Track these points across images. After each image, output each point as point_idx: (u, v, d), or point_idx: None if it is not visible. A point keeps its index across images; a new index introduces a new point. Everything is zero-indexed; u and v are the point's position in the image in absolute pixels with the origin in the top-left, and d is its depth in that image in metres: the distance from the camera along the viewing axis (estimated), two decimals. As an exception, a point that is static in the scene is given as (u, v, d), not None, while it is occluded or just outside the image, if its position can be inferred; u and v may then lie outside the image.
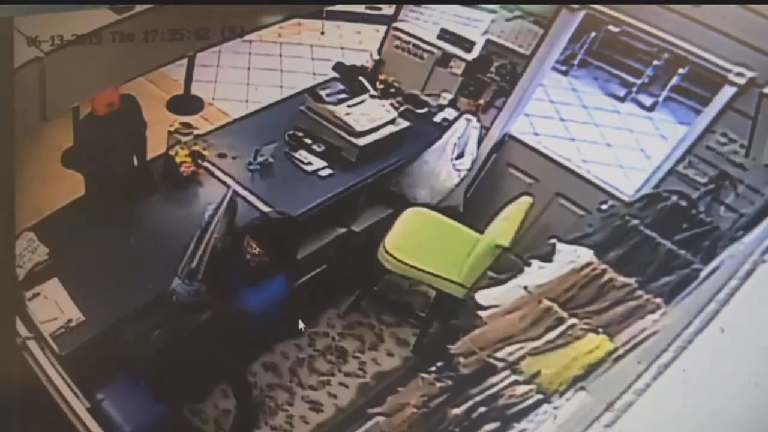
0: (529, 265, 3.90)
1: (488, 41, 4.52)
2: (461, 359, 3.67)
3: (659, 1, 3.95)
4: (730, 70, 3.86)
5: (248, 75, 4.59)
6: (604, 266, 3.76)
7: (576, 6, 4.13)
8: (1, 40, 3.90)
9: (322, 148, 4.38)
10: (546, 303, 3.70)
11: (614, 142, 4.32)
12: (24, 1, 3.96)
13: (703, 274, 3.65)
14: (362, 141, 4.35)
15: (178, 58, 4.32)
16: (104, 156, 4.16)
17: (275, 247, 3.76)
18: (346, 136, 4.35)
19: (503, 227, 4.08)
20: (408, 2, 4.65)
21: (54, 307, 3.83)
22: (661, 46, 4.12)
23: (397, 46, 4.66)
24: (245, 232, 3.79)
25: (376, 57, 4.65)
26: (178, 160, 4.22)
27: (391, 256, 4.11)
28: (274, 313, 3.94)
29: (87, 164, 4.13)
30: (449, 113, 4.53)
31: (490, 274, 4.01)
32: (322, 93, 4.41)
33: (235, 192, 3.87)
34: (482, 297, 3.85)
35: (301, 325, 3.94)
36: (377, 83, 4.56)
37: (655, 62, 4.31)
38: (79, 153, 4.12)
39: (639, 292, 3.67)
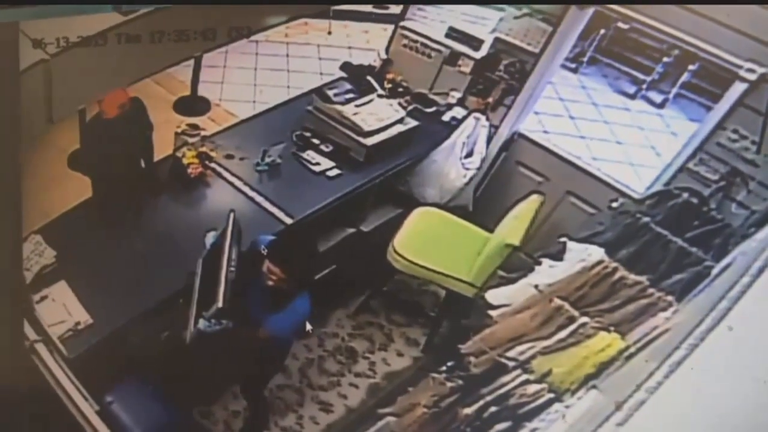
0: (539, 263, 3.88)
1: (497, 39, 4.50)
2: (472, 359, 3.65)
3: (675, 1, 3.94)
4: (740, 66, 3.84)
5: (255, 75, 4.58)
6: (615, 264, 3.74)
7: (584, 3, 4.13)
8: (6, 44, 3.90)
9: (330, 148, 4.36)
10: (557, 302, 3.69)
11: (624, 139, 4.29)
12: (29, 2, 3.96)
13: (714, 271, 3.63)
14: (370, 141, 4.33)
15: (185, 59, 4.31)
16: (111, 158, 4.15)
17: (295, 266, 3.72)
18: (354, 136, 4.33)
19: (513, 226, 4.06)
20: (416, 2, 4.63)
21: (62, 309, 3.82)
22: (670, 42, 4.10)
23: (404, 45, 4.64)
24: (263, 258, 3.73)
25: (383, 56, 4.63)
26: (185, 161, 4.21)
27: (401, 256, 4.09)
28: (301, 330, 3.92)
29: (94, 167, 4.12)
30: (458, 112, 4.51)
31: (501, 273, 3.99)
32: (330, 93, 4.39)
33: (236, 215, 3.82)
34: (493, 296, 3.84)
35: (309, 326, 3.90)
36: (385, 82, 4.54)
37: (665, 59, 4.28)
38: (86, 155, 4.12)
39: (650, 290, 3.65)
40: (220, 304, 3.59)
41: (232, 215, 3.77)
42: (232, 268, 3.66)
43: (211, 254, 3.77)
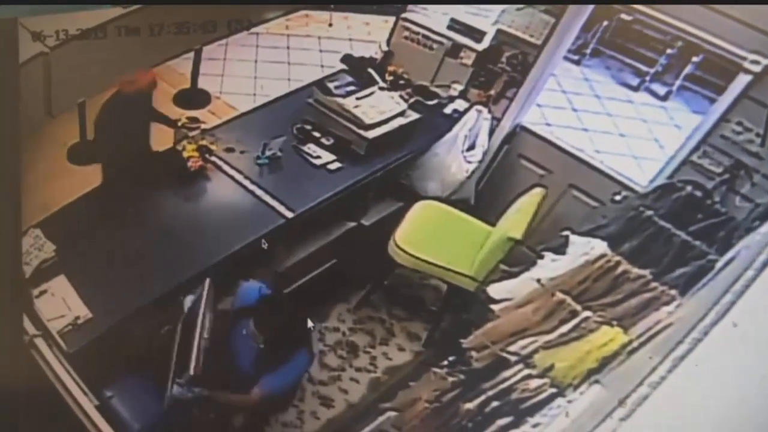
0: (541, 257, 3.86)
1: (499, 31, 4.49)
2: (474, 353, 3.63)
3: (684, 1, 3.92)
4: (745, 58, 3.82)
5: (255, 68, 4.57)
6: (618, 258, 3.72)
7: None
8: (5, 39, 3.90)
9: (331, 141, 4.35)
10: (559, 296, 3.67)
11: (627, 132, 4.27)
12: (28, 1, 3.96)
13: (718, 265, 3.61)
14: (371, 133, 4.31)
15: (185, 51, 4.31)
16: (125, 138, 4.15)
17: (285, 328, 3.69)
18: (355, 129, 4.32)
19: (515, 219, 4.05)
20: (417, 2, 4.62)
21: (61, 304, 3.81)
22: (674, 34, 4.09)
23: (406, 37, 4.63)
24: (245, 317, 3.71)
25: (384, 48, 4.62)
26: (185, 154, 4.20)
27: (402, 249, 4.07)
28: (300, 380, 3.91)
29: (107, 145, 4.12)
30: (460, 104, 4.49)
31: (503, 267, 3.97)
32: (331, 85, 4.38)
33: (212, 281, 3.79)
34: (494, 290, 3.82)
35: (310, 323, 3.88)
36: (386, 75, 4.53)
37: (669, 51, 4.26)
38: (99, 140, 4.12)
39: (653, 284, 3.63)
40: (191, 372, 3.57)
41: (207, 281, 3.74)
42: (206, 336, 3.63)
43: (188, 318, 3.75)
